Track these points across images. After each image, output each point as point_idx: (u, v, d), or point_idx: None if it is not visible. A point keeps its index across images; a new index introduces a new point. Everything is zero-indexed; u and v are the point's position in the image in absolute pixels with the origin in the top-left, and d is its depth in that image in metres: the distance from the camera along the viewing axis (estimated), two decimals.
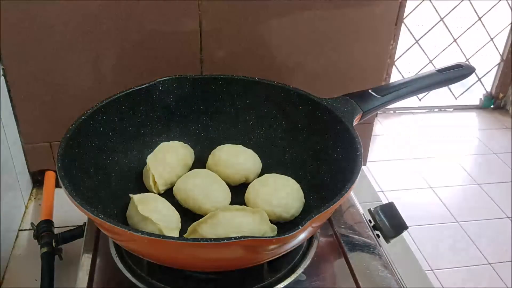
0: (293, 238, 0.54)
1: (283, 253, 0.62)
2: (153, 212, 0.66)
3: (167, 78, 0.81)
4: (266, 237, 0.53)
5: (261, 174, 0.80)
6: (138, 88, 0.79)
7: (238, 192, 0.77)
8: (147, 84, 0.80)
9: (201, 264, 0.61)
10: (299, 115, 0.80)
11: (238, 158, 0.79)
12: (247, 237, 0.51)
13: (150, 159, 0.76)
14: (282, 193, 0.72)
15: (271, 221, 0.68)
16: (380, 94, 0.78)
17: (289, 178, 0.76)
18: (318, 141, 0.77)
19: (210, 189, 0.73)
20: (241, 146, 0.82)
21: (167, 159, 0.77)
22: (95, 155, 0.73)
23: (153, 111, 0.81)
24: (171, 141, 0.82)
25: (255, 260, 0.60)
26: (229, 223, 0.63)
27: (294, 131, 0.81)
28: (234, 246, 0.52)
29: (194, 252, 0.55)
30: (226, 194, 0.75)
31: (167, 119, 0.83)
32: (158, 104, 0.82)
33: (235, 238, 0.51)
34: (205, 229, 0.64)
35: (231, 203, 0.74)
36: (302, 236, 0.58)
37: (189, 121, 0.85)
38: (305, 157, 0.79)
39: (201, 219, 0.64)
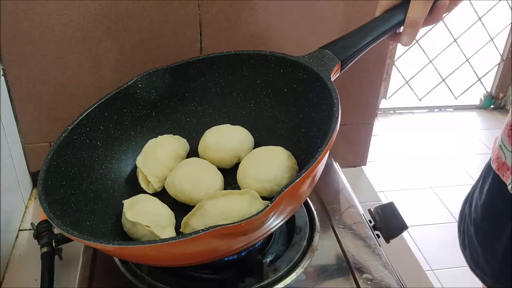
0: (262, 218, 0.50)
1: (268, 233, 0.59)
2: (142, 215, 0.65)
3: (145, 73, 0.78)
4: (234, 223, 0.50)
5: (256, 146, 0.77)
6: (117, 91, 0.75)
7: (234, 174, 0.74)
8: (125, 85, 0.76)
9: (184, 259, 0.59)
10: (282, 79, 0.77)
11: (225, 139, 0.76)
12: (215, 227, 0.49)
13: (139, 159, 0.74)
14: (269, 166, 0.68)
15: (265, 198, 0.65)
16: (354, 36, 0.73)
17: (278, 147, 0.73)
18: (305, 102, 0.73)
19: (199, 177, 0.71)
20: (228, 125, 0.79)
21: (157, 155, 0.75)
22: (86, 168, 0.70)
23: (138, 110, 0.78)
24: (158, 136, 0.79)
25: (237, 246, 0.57)
26: (217, 211, 0.61)
27: (282, 97, 0.78)
28: (205, 239, 0.50)
29: (170, 251, 0.53)
30: (217, 180, 0.72)
31: (155, 114, 0.80)
32: (142, 102, 0.78)
33: (202, 230, 0.49)
34: (195, 221, 0.62)
35: (227, 187, 0.73)
36: (275, 215, 0.54)
37: (177, 111, 0.82)
38: (296, 121, 0.76)
39: (190, 212, 0.63)
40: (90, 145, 0.72)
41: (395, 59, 2.17)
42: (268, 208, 0.50)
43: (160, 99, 0.80)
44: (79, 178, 0.68)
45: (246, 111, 0.81)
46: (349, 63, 0.72)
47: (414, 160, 2.00)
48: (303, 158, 0.72)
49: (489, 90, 2.37)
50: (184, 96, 0.82)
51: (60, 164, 0.66)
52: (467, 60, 2.24)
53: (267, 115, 0.80)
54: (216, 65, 0.80)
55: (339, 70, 0.71)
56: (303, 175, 0.53)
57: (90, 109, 0.72)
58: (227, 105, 0.82)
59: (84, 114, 0.71)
